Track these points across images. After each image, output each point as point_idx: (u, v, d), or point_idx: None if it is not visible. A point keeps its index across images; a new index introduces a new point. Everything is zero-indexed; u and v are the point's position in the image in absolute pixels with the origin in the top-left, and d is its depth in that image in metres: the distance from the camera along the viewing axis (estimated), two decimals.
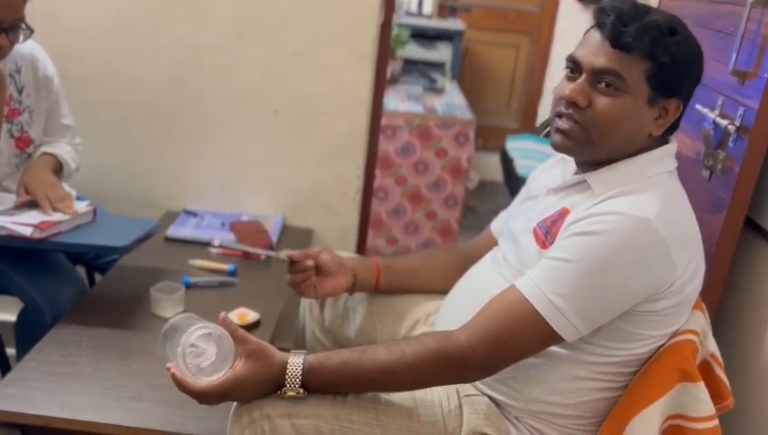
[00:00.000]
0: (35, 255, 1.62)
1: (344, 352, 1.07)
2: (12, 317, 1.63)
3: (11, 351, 1.71)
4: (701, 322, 1.12)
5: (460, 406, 1.14)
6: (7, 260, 1.58)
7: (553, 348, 1.09)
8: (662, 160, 1.10)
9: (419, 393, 1.14)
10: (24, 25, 1.54)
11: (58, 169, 1.73)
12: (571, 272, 1.01)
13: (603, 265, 1.00)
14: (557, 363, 1.10)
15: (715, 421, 1.05)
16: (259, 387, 1.04)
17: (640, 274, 1.00)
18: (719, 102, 1.37)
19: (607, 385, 1.11)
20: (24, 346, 1.46)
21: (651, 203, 1.02)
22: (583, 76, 1.08)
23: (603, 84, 1.06)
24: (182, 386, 1.03)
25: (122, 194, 2.10)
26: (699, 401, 1.05)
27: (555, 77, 4.19)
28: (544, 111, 4.20)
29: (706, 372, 1.13)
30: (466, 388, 1.16)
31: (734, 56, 1.30)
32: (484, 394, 1.16)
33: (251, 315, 1.52)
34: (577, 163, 1.17)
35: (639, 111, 1.06)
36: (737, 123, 1.29)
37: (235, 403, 1.07)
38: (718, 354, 1.15)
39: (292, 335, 1.63)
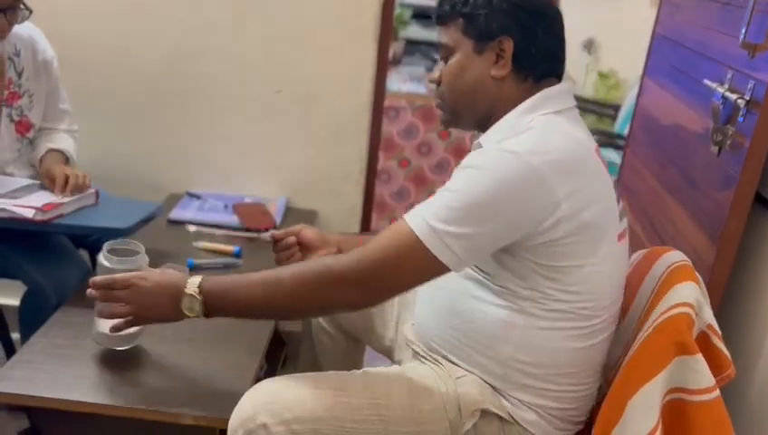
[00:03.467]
0: (38, 238, 1.62)
1: (246, 275, 1.13)
2: (16, 301, 1.63)
3: (15, 335, 1.71)
4: (695, 293, 1.11)
5: (455, 389, 1.14)
6: (10, 243, 1.58)
7: (494, 303, 1.11)
8: (541, 105, 1.13)
9: (418, 384, 1.14)
10: (22, 6, 1.52)
11: (66, 163, 1.74)
12: (451, 200, 1.04)
13: (480, 195, 1.03)
14: (507, 318, 1.11)
15: (716, 392, 1.05)
16: (160, 289, 1.13)
17: (515, 203, 1.03)
18: (728, 76, 1.35)
19: (570, 333, 1.11)
20: (29, 329, 1.45)
21: (525, 140, 1.06)
22: (440, 59, 1.22)
23: (442, 57, 1.21)
24: (94, 282, 1.16)
25: (125, 177, 2.09)
26: (698, 374, 1.04)
27: None
28: None
29: (704, 343, 1.11)
30: (456, 371, 1.17)
31: (743, 29, 1.28)
32: (471, 373, 1.16)
33: None
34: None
35: (471, 63, 1.16)
36: (747, 97, 1.26)
37: (231, 417, 1.07)
38: (716, 325, 1.14)
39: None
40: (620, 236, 1.14)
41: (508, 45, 1.13)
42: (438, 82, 1.21)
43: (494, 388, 1.15)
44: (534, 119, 1.10)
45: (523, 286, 1.10)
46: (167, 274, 1.18)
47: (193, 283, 1.12)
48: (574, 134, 1.10)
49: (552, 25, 1.16)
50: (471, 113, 1.19)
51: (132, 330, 1.24)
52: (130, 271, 1.19)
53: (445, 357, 1.20)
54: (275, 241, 1.39)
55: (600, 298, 1.12)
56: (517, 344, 1.12)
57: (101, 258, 1.25)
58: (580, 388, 1.16)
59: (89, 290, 1.18)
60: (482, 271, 1.15)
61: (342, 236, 1.45)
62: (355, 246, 1.41)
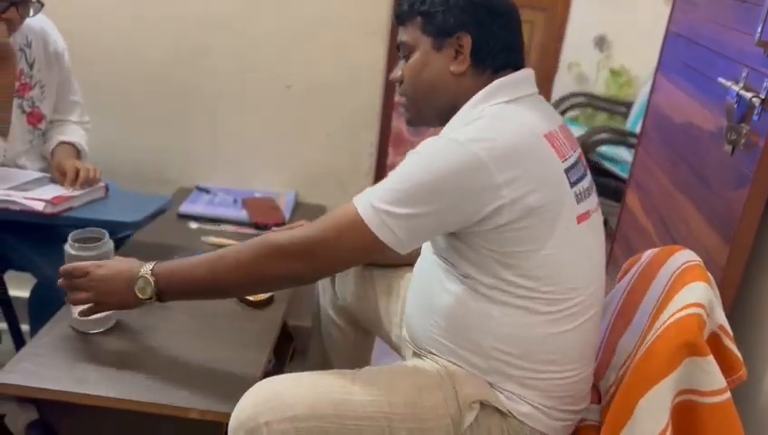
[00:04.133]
0: (48, 231, 1.62)
1: (194, 258, 1.19)
2: (26, 293, 1.64)
3: (25, 327, 1.72)
4: (707, 294, 1.10)
5: (453, 384, 1.14)
6: (21, 236, 1.58)
7: (464, 295, 1.13)
8: (493, 94, 1.15)
9: (420, 380, 1.14)
10: None
11: (77, 156, 1.74)
12: (395, 183, 1.08)
13: (422, 178, 1.07)
14: (480, 309, 1.13)
15: (727, 394, 1.04)
16: (115, 274, 1.20)
17: (456, 187, 1.06)
18: (743, 75, 1.33)
19: (541, 318, 1.11)
20: (38, 322, 1.46)
21: (470, 129, 1.09)
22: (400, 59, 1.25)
23: (403, 57, 1.23)
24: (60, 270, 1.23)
25: (135, 171, 2.10)
26: (709, 375, 1.03)
27: (570, 53, 4.14)
28: (559, 88, 4.15)
29: (716, 344, 1.10)
30: (450, 365, 1.16)
31: (759, 27, 1.26)
32: (459, 365, 1.16)
33: None
34: None
35: (431, 60, 1.19)
36: (762, 96, 1.25)
37: (232, 418, 1.07)
38: (727, 326, 1.13)
39: (306, 313, 1.63)
40: (581, 218, 1.13)
41: (466, 41, 1.16)
42: (401, 81, 1.24)
43: (488, 383, 1.15)
44: (485, 109, 1.13)
45: (485, 274, 1.11)
46: (125, 261, 1.24)
47: (147, 267, 1.19)
48: (520, 122, 1.11)
49: (509, 21, 1.19)
50: (433, 109, 1.22)
51: (100, 315, 1.29)
52: (94, 258, 1.27)
53: (434, 355, 1.20)
54: None
55: (564, 281, 1.11)
56: (494, 335, 1.12)
57: (67, 247, 1.30)
58: (567, 374, 1.15)
59: (59, 279, 1.25)
60: (447, 260, 1.17)
61: None
62: None
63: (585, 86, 4.26)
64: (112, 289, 1.21)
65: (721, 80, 1.39)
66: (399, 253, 1.10)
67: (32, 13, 1.54)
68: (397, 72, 1.25)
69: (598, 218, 1.20)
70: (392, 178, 1.10)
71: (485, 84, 1.16)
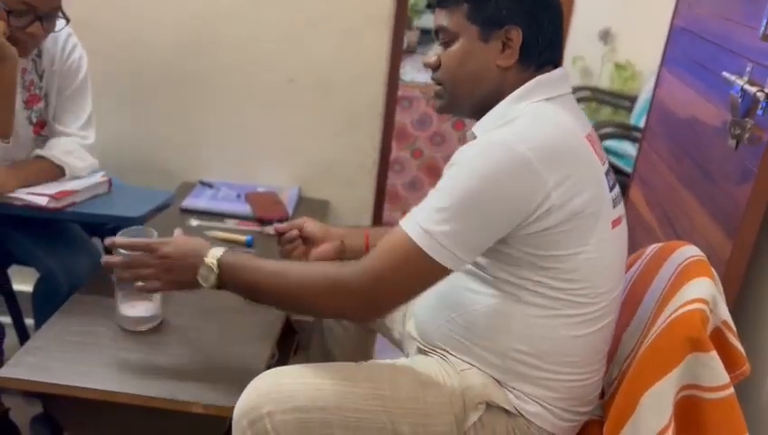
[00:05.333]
0: (52, 225, 1.62)
1: (259, 262, 1.15)
2: (29, 288, 1.64)
3: (29, 321, 1.72)
4: (710, 289, 1.09)
5: (460, 382, 1.14)
6: (24, 231, 1.59)
7: (489, 294, 1.11)
8: (534, 91, 1.12)
9: (424, 376, 1.14)
10: (60, 14, 1.50)
11: (48, 169, 1.61)
12: (440, 201, 1.04)
13: (467, 190, 1.02)
14: (503, 308, 1.11)
15: (730, 390, 1.03)
16: (182, 255, 1.15)
17: (505, 193, 1.02)
18: (748, 69, 1.33)
19: (568, 321, 1.10)
20: (42, 316, 1.46)
21: (513, 128, 1.05)
22: (436, 42, 1.19)
23: (441, 42, 1.17)
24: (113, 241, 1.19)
25: (138, 165, 2.10)
26: (712, 371, 1.03)
27: (575, 47, 4.12)
28: None
29: (719, 339, 1.10)
30: (459, 364, 1.16)
31: (764, 21, 1.26)
32: (474, 367, 1.16)
33: None
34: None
35: (476, 50, 1.13)
36: (766, 90, 1.24)
37: (236, 407, 1.07)
38: (731, 321, 1.13)
39: None
40: (615, 223, 1.12)
41: (516, 35, 1.11)
42: (435, 67, 1.18)
43: (497, 381, 1.14)
44: (525, 106, 1.10)
45: (518, 276, 1.09)
46: (190, 241, 1.19)
47: (214, 254, 1.14)
48: (563, 122, 1.09)
49: (556, 15, 1.14)
50: (471, 100, 1.17)
51: (149, 313, 1.31)
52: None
53: (446, 351, 1.19)
54: (279, 234, 1.40)
55: (595, 285, 1.11)
56: (516, 335, 1.11)
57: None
58: (582, 377, 1.15)
59: (105, 258, 1.20)
60: (475, 262, 1.14)
61: (346, 229, 1.44)
62: (359, 239, 1.42)
63: (590, 80, 4.24)
64: (176, 269, 1.16)
65: (725, 74, 1.39)
66: (457, 271, 1.07)
67: (57, 28, 1.52)
68: (431, 57, 1.18)
69: (625, 225, 1.19)
70: (436, 195, 1.05)
71: (527, 80, 1.12)
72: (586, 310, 1.11)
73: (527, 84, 1.12)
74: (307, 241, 1.39)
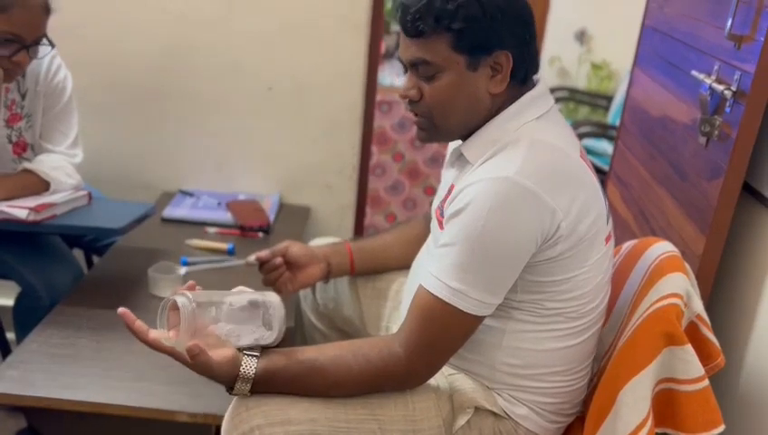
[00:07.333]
0: (31, 239, 1.62)
1: (293, 365, 1.05)
2: (10, 302, 1.63)
3: (11, 335, 1.71)
4: (684, 284, 1.12)
5: (448, 386, 1.14)
6: (3, 244, 1.58)
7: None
8: (525, 110, 1.10)
9: None
10: (45, 41, 1.50)
11: (35, 184, 1.60)
12: (459, 254, 1.01)
13: (481, 236, 1.00)
14: (495, 324, 1.11)
15: (705, 382, 1.06)
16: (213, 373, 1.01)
17: (519, 229, 1.00)
18: (715, 68, 1.35)
19: (560, 334, 1.12)
20: (23, 330, 1.46)
21: (511, 159, 1.02)
22: (408, 72, 1.11)
23: (421, 74, 1.09)
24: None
25: (117, 176, 2.09)
26: (687, 364, 1.05)
27: (551, 48, 4.16)
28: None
29: (693, 333, 1.13)
30: (447, 369, 1.16)
31: (729, 20, 1.29)
32: (461, 371, 1.16)
33: None
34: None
35: (465, 80, 1.07)
36: (734, 88, 1.27)
37: (223, 423, 1.05)
38: (705, 315, 1.15)
39: (291, 314, 1.63)
40: (607, 239, 1.14)
41: (506, 59, 1.06)
42: (415, 99, 1.11)
43: (485, 386, 1.15)
44: (519, 129, 1.08)
45: (513, 299, 1.09)
46: (223, 363, 1.02)
47: (247, 370, 1.02)
48: (559, 145, 1.08)
49: (534, 28, 1.11)
50: (460, 129, 1.13)
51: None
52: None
53: None
54: (261, 263, 1.36)
55: (588, 300, 1.12)
56: (506, 349, 1.12)
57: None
58: (571, 383, 1.16)
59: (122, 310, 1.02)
60: None
61: (330, 248, 1.43)
62: (344, 257, 1.42)
63: (567, 80, 4.29)
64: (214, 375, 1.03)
65: (694, 73, 1.41)
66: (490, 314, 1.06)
67: (41, 54, 1.53)
68: (411, 90, 1.10)
69: (613, 240, 1.19)
70: (452, 250, 1.02)
71: (516, 97, 1.10)
72: (576, 323, 1.12)
73: (517, 103, 1.10)
74: (291, 266, 1.37)
